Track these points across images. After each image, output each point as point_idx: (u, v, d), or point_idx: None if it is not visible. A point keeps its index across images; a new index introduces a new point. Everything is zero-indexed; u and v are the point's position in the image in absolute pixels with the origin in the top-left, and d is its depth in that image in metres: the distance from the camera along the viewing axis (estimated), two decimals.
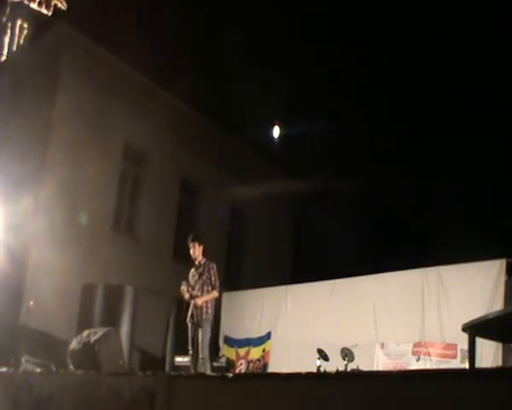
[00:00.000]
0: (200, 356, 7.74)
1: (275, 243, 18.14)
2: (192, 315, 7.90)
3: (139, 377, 5.89)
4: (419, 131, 19.77)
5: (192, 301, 7.95)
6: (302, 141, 18.72)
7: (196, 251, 8.06)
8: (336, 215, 18.63)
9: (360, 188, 17.73)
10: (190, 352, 7.88)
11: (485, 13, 18.08)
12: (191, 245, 8.07)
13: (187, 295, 7.98)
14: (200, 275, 7.99)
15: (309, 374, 4.61)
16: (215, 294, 8.04)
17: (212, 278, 8.00)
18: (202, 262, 8.09)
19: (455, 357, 9.57)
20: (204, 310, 7.88)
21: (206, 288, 7.97)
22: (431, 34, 20.02)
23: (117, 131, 14.93)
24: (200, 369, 7.64)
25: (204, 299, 7.91)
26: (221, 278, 8.32)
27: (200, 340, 7.78)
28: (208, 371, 7.58)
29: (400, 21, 20.55)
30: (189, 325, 7.94)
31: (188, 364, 8.23)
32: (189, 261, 8.36)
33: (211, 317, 7.98)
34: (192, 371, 7.72)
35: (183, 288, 8.04)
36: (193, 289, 7.98)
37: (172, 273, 14.95)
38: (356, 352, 9.60)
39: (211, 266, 8.06)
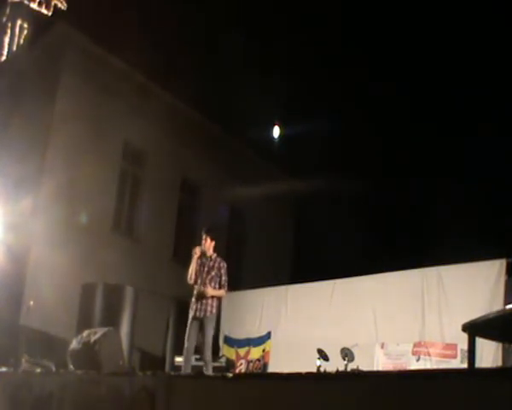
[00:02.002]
0: (207, 359, 7.64)
1: (275, 243, 18.14)
2: (196, 309, 7.69)
3: (139, 377, 5.89)
4: (419, 130, 19.77)
5: (195, 289, 7.74)
6: (302, 141, 18.73)
7: (207, 244, 7.87)
8: (336, 215, 18.64)
9: (360, 188, 17.74)
10: (185, 346, 7.64)
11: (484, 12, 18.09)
12: (203, 237, 7.93)
13: (193, 277, 7.75)
14: (209, 270, 7.81)
15: (309, 374, 4.61)
16: (223, 293, 7.87)
17: (223, 278, 7.82)
18: (213, 257, 7.91)
19: (455, 357, 9.56)
20: (209, 308, 7.68)
21: (213, 284, 7.77)
22: (432, 32, 20.03)
23: (117, 131, 14.93)
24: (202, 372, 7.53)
25: (213, 292, 7.72)
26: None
27: (203, 341, 7.60)
28: (210, 373, 7.49)
29: (400, 20, 20.56)
30: (190, 319, 7.70)
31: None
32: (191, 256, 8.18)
33: (215, 317, 7.80)
34: (187, 370, 7.62)
35: (197, 249, 7.81)
36: (199, 280, 7.78)
37: (172, 273, 14.99)
38: (356, 352, 9.60)
39: (222, 264, 7.88)
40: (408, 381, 3.82)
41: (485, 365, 7.72)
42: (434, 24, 19.96)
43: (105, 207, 14.65)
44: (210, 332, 7.70)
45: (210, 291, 7.70)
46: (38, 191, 13.50)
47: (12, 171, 13.74)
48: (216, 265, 7.87)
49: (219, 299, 7.97)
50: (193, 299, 7.80)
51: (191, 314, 7.73)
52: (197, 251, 7.84)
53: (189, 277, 7.83)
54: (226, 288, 7.89)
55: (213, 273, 7.81)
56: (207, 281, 7.76)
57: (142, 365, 12.40)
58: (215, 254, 7.96)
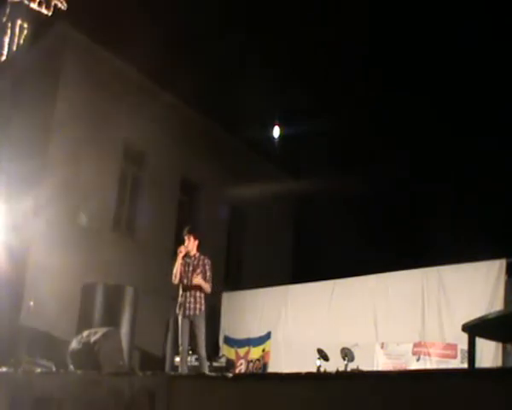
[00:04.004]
0: (202, 356, 7.67)
1: (275, 243, 18.13)
2: (185, 308, 7.73)
3: (139, 377, 5.89)
4: (419, 130, 19.78)
5: (180, 288, 7.79)
6: (302, 141, 18.74)
7: (190, 244, 7.90)
8: (336, 215, 18.64)
9: (360, 188, 17.74)
10: (180, 349, 7.70)
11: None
12: (186, 237, 7.96)
13: (177, 276, 7.78)
14: (194, 268, 7.83)
15: (309, 374, 4.61)
16: (208, 287, 7.87)
17: (208, 273, 7.85)
18: (196, 256, 7.93)
19: (455, 357, 9.57)
20: (198, 306, 7.72)
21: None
22: (433, 32, 20.04)
23: (117, 131, 14.93)
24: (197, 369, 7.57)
25: (201, 282, 7.73)
26: (221, 277, 8.25)
27: (196, 339, 7.64)
28: (206, 371, 7.51)
29: (401, 18, 20.56)
30: (180, 318, 7.74)
31: (191, 364, 8.18)
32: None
33: (204, 314, 7.80)
34: (183, 370, 7.65)
35: (182, 248, 7.84)
36: (185, 279, 7.82)
37: (172, 273, 15.00)
38: (356, 352, 9.61)
39: (206, 261, 7.92)
40: (408, 381, 3.82)
41: (485, 365, 7.74)
42: (437, 22, 19.97)
43: (105, 207, 14.65)
44: (202, 330, 7.74)
45: (200, 281, 7.73)
46: (39, 191, 13.49)
47: (12, 171, 13.74)
48: (200, 263, 7.90)
49: (206, 297, 7.96)
50: (179, 299, 7.85)
51: (180, 314, 7.77)
52: (182, 250, 7.88)
53: (173, 276, 7.88)
54: (211, 283, 7.91)
55: (198, 271, 7.84)
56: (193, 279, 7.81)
57: (142, 365, 12.40)
58: (198, 254, 7.98)
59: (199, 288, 7.81)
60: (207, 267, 7.90)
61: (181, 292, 7.84)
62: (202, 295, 7.83)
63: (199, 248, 8.02)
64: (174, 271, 7.87)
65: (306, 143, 19.08)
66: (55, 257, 12.46)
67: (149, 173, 15.91)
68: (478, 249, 10.46)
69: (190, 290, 7.79)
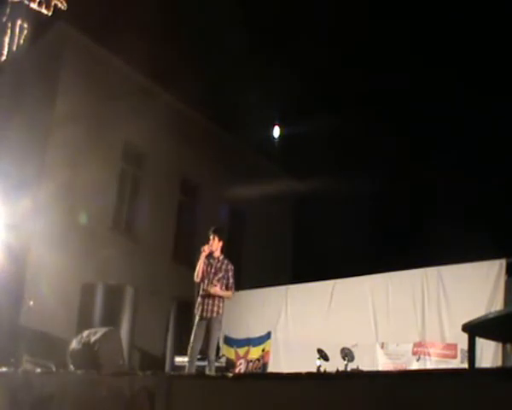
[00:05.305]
0: (211, 359, 7.62)
1: (275, 243, 18.13)
2: (202, 310, 7.67)
3: (139, 377, 5.89)
4: (419, 130, 19.77)
5: (202, 287, 7.72)
6: (302, 141, 18.71)
7: (215, 244, 7.81)
8: (336, 215, 18.62)
9: (360, 188, 17.73)
10: (191, 346, 7.62)
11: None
12: (211, 237, 7.87)
13: (199, 275, 7.70)
14: (216, 271, 7.76)
15: (309, 374, 4.62)
16: (230, 295, 7.83)
17: (230, 280, 7.79)
18: (220, 258, 7.87)
19: (455, 357, 9.57)
20: (215, 309, 7.65)
21: (219, 286, 7.74)
22: (432, 29, 20.03)
23: (116, 131, 14.93)
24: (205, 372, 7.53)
25: (221, 293, 7.67)
26: None
27: (209, 341, 7.59)
28: (213, 373, 7.48)
29: (402, 17, 20.56)
30: (197, 318, 7.67)
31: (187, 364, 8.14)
32: (193, 257, 8.14)
33: (221, 318, 7.77)
34: (191, 370, 7.61)
35: (206, 248, 7.75)
36: (206, 279, 7.74)
37: (172, 273, 15.02)
38: (356, 352, 9.61)
39: (230, 266, 7.84)
40: (408, 381, 3.82)
41: (485, 365, 7.74)
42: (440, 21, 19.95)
43: (105, 207, 14.65)
44: (216, 333, 7.71)
45: (217, 290, 7.67)
46: (38, 191, 13.49)
47: (12, 171, 13.74)
48: (224, 266, 7.82)
49: (225, 300, 7.94)
50: (198, 299, 7.78)
51: (198, 314, 7.70)
52: (205, 249, 7.81)
53: (195, 274, 7.80)
54: (233, 290, 7.88)
55: (220, 275, 7.76)
56: (214, 281, 7.73)
57: (142, 365, 12.40)
58: (222, 256, 7.91)
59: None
60: (230, 274, 7.82)
61: (201, 292, 7.78)
62: (221, 298, 7.76)
63: (223, 250, 7.94)
64: (197, 269, 7.78)
65: (306, 143, 19.06)
66: (55, 257, 12.47)
67: (149, 173, 15.92)
68: (478, 249, 10.44)
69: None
